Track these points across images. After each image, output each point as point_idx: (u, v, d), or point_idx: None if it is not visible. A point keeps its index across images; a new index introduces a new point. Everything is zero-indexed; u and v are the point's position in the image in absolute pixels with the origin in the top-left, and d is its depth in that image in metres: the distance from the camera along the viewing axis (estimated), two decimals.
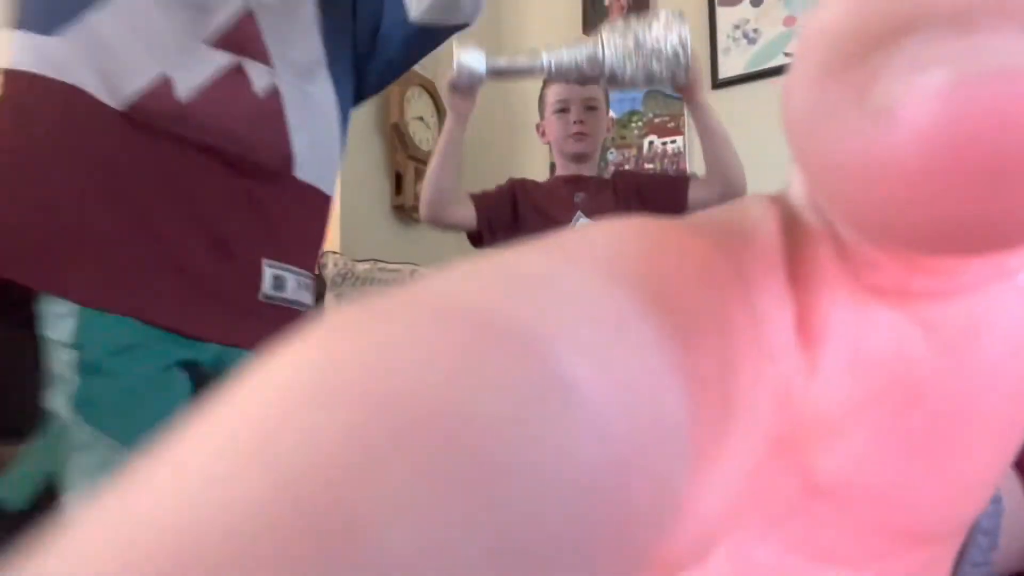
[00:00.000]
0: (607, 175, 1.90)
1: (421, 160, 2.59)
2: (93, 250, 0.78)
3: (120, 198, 0.79)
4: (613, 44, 1.33)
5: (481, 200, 1.69)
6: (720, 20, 2.41)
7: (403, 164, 2.54)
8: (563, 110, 1.74)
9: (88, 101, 0.78)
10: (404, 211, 2.57)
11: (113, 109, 0.79)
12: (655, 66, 1.35)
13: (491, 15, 2.86)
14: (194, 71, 0.82)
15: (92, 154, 0.79)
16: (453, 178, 1.67)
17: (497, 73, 1.44)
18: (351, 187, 2.43)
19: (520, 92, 2.76)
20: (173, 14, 0.82)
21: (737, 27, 2.38)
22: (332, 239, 2.37)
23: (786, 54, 2.31)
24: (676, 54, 1.34)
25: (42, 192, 0.77)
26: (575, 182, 1.76)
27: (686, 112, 2.44)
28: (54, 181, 0.77)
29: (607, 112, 1.82)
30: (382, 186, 2.55)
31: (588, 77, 1.39)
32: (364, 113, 2.52)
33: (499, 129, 2.75)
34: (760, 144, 2.37)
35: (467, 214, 1.71)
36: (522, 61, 1.41)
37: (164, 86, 0.80)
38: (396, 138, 2.53)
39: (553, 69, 1.38)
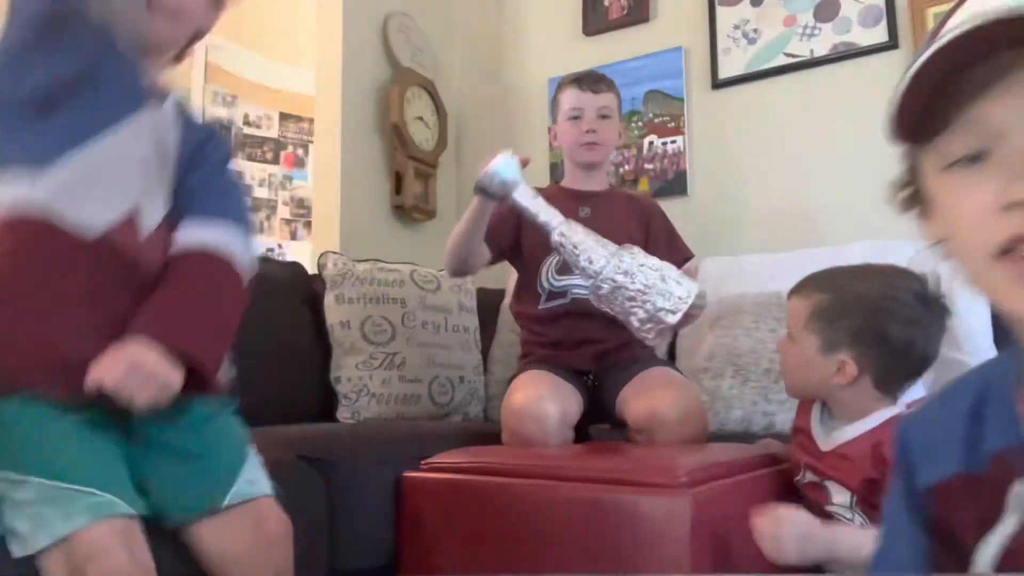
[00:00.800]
0: (615, 182, 1.89)
1: (421, 160, 2.59)
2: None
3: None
4: (623, 273, 1.31)
5: (489, 236, 1.67)
6: (720, 20, 2.41)
7: (403, 164, 2.54)
8: (576, 117, 1.73)
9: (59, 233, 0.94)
10: (404, 211, 2.56)
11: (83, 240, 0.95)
12: (642, 309, 1.31)
13: (491, 15, 2.86)
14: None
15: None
16: (477, 245, 1.66)
17: (516, 206, 1.39)
18: (351, 187, 2.44)
19: (519, 92, 2.76)
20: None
21: (737, 27, 2.38)
22: (332, 239, 2.37)
23: (786, 54, 2.31)
24: (673, 311, 1.30)
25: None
26: (581, 197, 1.74)
27: (686, 112, 2.44)
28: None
29: (620, 121, 1.81)
30: (382, 186, 2.55)
31: (579, 271, 1.36)
32: (364, 113, 2.52)
33: (498, 129, 2.75)
34: (760, 144, 2.37)
35: (484, 256, 1.71)
36: (542, 216, 1.36)
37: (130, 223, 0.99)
38: (396, 138, 2.53)
39: (561, 246, 1.35)
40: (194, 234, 1.04)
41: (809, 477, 1.19)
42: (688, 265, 1.77)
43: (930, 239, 0.55)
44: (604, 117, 1.73)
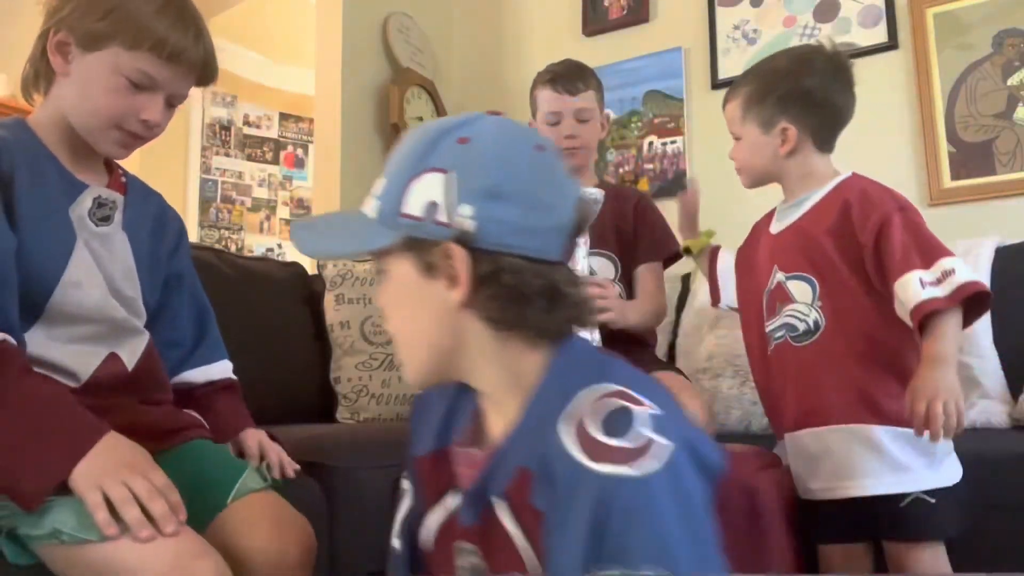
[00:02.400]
0: (615, 182, 1.84)
1: None
2: None
3: None
4: None
5: None
6: (720, 20, 2.41)
7: None
8: (555, 123, 1.66)
9: None
10: None
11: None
12: None
13: (491, 15, 2.86)
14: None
15: None
16: None
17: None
18: (351, 187, 2.44)
19: (519, 92, 2.76)
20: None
21: (737, 27, 2.39)
22: None
23: None
24: None
25: None
26: None
27: (685, 112, 2.44)
28: None
29: (600, 118, 1.72)
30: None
31: None
32: (364, 113, 2.52)
33: None
34: None
35: None
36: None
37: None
38: (396, 138, 2.52)
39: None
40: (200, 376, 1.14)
41: (777, 278, 1.25)
42: (653, 268, 1.70)
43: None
44: (583, 121, 1.66)
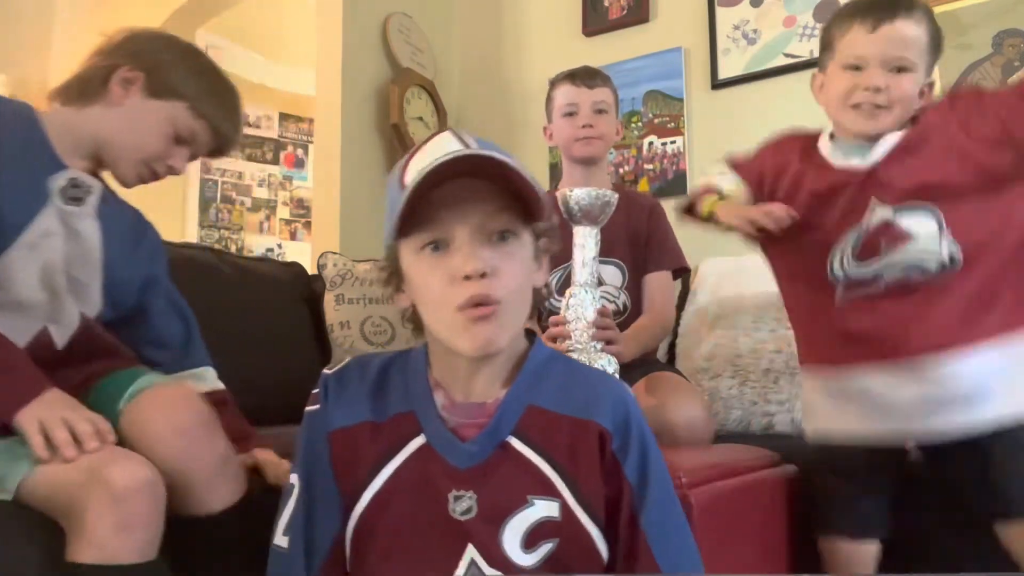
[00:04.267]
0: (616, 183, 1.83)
1: None
2: None
3: None
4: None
5: None
6: (720, 20, 2.41)
7: None
8: (571, 113, 1.68)
9: None
10: None
11: None
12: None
13: (491, 15, 2.86)
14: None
15: None
16: None
17: (583, 232, 1.30)
18: (351, 187, 2.44)
19: (519, 92, 2.76)
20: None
21: (737, 27, 2.39)
22: (332, 239, 2.37)
23: (786, 54, 2.31)
24: None
25: None
26: None
27: (685, 112, 2.44)
28: None
29: (617, 117, 1.76)
30: (382, 186, 2.54)
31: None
32: (364, 113, 2.52)
33: (498, 129, 2.75)
34: (759, 144, 2.37)
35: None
36: (579, 271, 1.29)
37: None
38: (396, 138, 2.53)
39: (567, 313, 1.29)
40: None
41: (878, 216, 1.09)
42: (663, 278, 1.69)
43: (404, 304, 0.83)
44: (600, 112, 1.68)
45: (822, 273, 1.14)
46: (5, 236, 0.98)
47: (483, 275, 0.74)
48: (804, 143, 1.24)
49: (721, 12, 2.42)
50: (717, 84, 2.40)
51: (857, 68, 1.10)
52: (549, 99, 1.76)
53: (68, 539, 0.84)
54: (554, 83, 1.75)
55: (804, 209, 1.14)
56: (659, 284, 1.68)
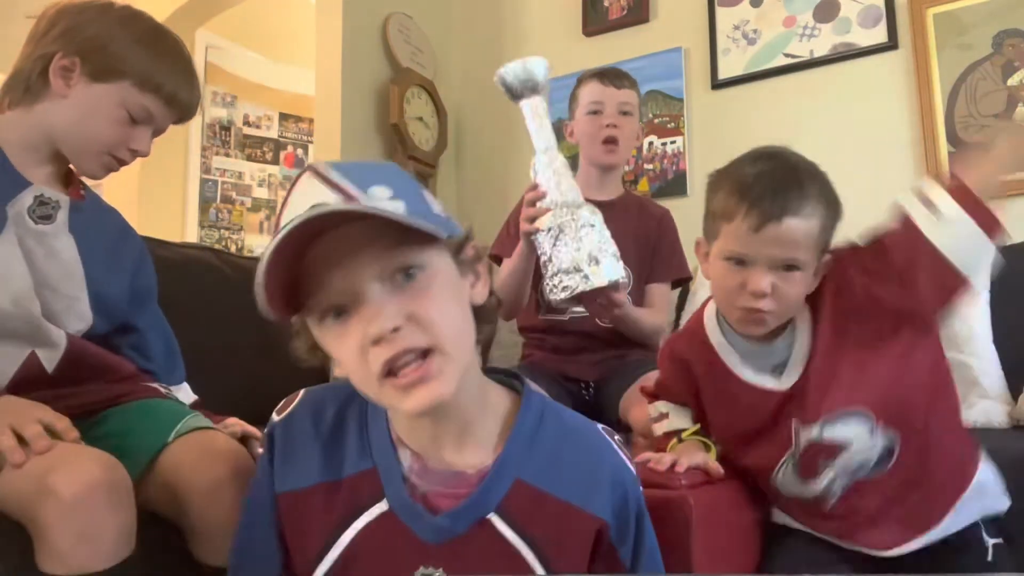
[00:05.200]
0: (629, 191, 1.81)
1: (421, 160, 2.59)
2: None
3: None
4: (573, 218, 1.31)
5: (500, 261, 1.65)
6: (720, 20, 2.41)
7: (403, 164, 2.54)
8: (596, 112, 1.68)
9: None
10: None
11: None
12: (566, 260, 1.29)
13: (491, 15, 2.86)
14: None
15: None
16: (527, 289, 1.60)
17: (524, 111, 1.40)
18: None
19: None
20: None
21: (737, 27, 2.39)
22: None
23: (786, 54, 2.31)
24: (586, 279, 1.28)
25: None
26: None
27: (686, 112, 2.44)
28: None
29: (639, 120, 1.75)
30: None
31: (546, 195, 1.37)
32: (364, 113, 2.52)
33: (498, 129, 2.75)
34: (759, 144, 2.36)
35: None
36: (536, 134, 1.39)
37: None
38: (396, 138, 2.53)
39: (536, 167, 1.37)
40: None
41: (808, 436, 0.99)
42: (663, 288, 1.72)
43: (340, 374, 0.69)
44: (625, 113, 1.68)
45: (767, 484, 1.07)
46: None
47: (396, 329, 0.62)
48: (696, 349, 1.09)
49: (721, 12, 2.42)
50: (717, 84, 2.40)
51: (740, 263, 0.96)
52: (573, 97, 1.76)
53: (35, 547, 0.79)
54: (581, 80, 1.75)
55: (733, 428, 1.07)
56: (659, 294, 1.70)
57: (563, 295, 1.29)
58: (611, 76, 1.71)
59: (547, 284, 1.34)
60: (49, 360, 0.99)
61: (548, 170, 1.36)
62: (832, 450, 0.99)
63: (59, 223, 1.02)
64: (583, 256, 1.29)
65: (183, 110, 1.07)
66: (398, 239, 0.63)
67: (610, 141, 1.67)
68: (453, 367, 0.65)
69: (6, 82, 1.02)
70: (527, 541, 0.70)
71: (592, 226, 1.32)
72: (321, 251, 0.63)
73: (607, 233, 1.36)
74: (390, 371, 0.63)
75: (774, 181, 0.95)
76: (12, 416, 0.84)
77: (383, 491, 0.70)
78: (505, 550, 0.69)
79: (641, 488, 0.78)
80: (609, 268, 1.30)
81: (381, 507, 0.70)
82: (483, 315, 0.71)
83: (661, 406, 1.20)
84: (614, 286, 1.33)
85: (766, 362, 1.03)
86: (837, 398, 0.99)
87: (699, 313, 1.12)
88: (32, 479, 0.79)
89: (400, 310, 0.63)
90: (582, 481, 0.72)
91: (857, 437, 0.98)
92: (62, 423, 0.87)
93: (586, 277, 1.28)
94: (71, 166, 1.07)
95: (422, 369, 0.63)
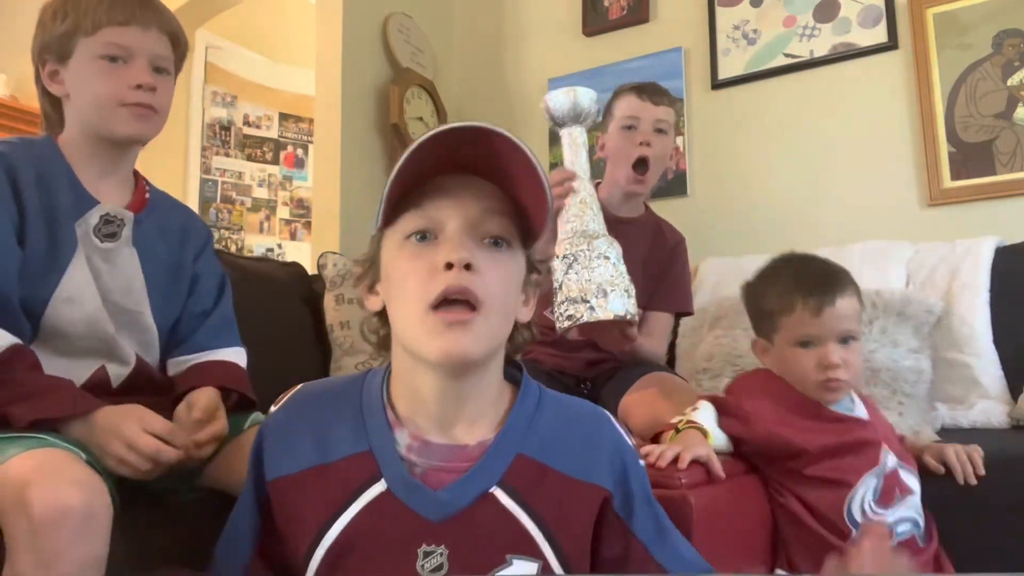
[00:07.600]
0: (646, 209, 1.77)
1: None
2: None
3: None
4: (589, 248, 1.30)
5: None
6: (720, 20, 2.41)
7: None
8: (631, 127, 1.62)
9: None
10: None
11: None
12: (574, 290, 1.28)
13: (491, 15, 2.86)
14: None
15: None
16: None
17: (564, 139, 1.38)
18: (351, 187, 2.44)
19: (519, 92, 2.76)
20: None
21: (737, 27, 2.39)
22: (332, 239, 2.37)
23: (786, 54, 2.31)
24: (592, 311, 1.26)
25: None
26: (610, 224, 1.47)
27: (685, 112, 2.44)
28: None
29: (674, 139, 1.68)
30: (382, 186, 2.54)
31: (563, 220, 1.35)
32: (364, 113, 2.52)
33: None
34: (759, 144, 2.37)
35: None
36: (571, 161, 1.36)
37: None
38: (396, 138, 2.53)
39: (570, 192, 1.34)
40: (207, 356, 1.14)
41: (890, 463, 1.13)
42: (664, 317, 1.70)
43: (375, 307, 0.80)
44: (660, 131, 1.63)
45: (836, 518, 1.11)
46: (41, 298, 0.96)
47: (467, 266, 0.67)
48: (784, 397, 1.20)
49: (721, 12, 2.42)
50: (717, 84, 2.40)
51: (808, 344, 1.15)
52: (608, 108, 1.69)
53: (7, 554, 0.75)
54: (617, 93, 1.69)
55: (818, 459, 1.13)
56: (659, 323, 1.68)
57: (566, 324, 1.29)
58: (649, 91, 1.65)
59: (555, 311, 1.33)
60: (117, 376, 1.03)
61: (575, 198, 1.33)
62: (904, 487, 1.12)
63: (123, 239, 1.06)
64: (592, 287, 1.27)
65: (147, 23, 1.04)
66: (501, 209, 0.71)
67: (640, 164, 1.61)
68: (488, 337, 0.70)
69: (43, 117, 1.09)
70: (531, 515, 0.71)
71: (607, 258, 1.29)
72: (433, 183, 0.71)
73: (623, 267, 1.32)
74: (441, 303, 0.67)
75: (818, 274, 1.17)
76: (126, 430, 0.89)
77: (379, 472, 0.71)
78: (509, 524, 0.70)
79: (643, 463, 0.80)
80: (616, 303, 1.28)
81: (379, 487, 0.70)
82: (514, 335, 0.76)
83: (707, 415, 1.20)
84: (620, 321, 1.29)
85: None
86: (895, 447, 1.16)
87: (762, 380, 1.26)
88: (15, 484, 0.75)
89: (478, 256, 0.69)
90: (582, 454, 0.74)
91: (917, 491, 1.13)
92: (179, 435, 0.94)
93: (592, 309, 1.27)
94: (135, 169, 1.11)
95: (468, 315, 0.67)
